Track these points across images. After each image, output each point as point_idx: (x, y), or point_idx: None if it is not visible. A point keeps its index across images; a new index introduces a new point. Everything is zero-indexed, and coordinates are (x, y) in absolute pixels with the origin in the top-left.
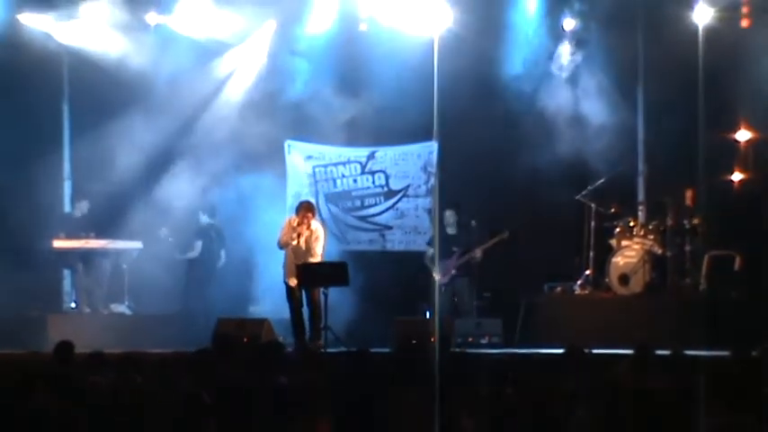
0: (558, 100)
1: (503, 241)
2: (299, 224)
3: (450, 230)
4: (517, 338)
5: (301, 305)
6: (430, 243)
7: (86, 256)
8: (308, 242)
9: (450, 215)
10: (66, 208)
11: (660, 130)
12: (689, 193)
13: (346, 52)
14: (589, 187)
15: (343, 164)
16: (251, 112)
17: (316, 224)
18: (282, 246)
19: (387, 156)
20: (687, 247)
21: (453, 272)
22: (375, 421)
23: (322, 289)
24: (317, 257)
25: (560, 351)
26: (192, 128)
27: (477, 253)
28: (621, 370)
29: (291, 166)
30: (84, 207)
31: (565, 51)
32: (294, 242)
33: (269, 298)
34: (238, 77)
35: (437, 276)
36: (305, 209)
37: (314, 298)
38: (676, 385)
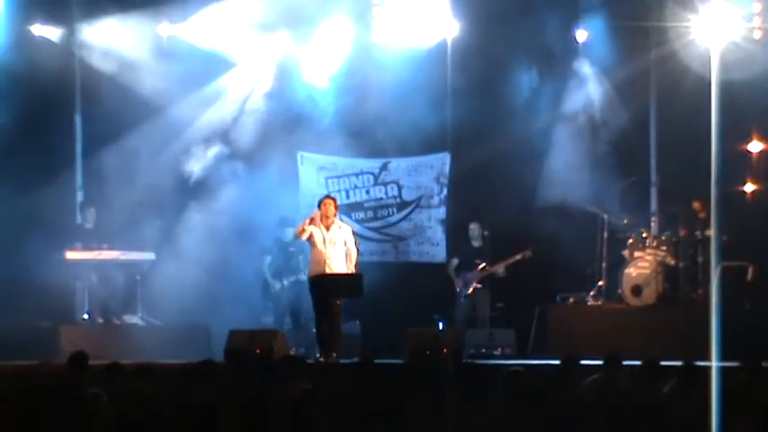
0: (570, 110)
1: (525, 259)
2: (323, 214)
3: (476, 243)
4: (530, 349)
5: (326, 313)
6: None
7: (99, 267)
8: (336, 235)
9: (474, 228)
10: (78, 219)
11: (672, 141)
12: (701, 204)
13: (360, 64)
14: (602, 198)
15: (356, 175)
16: (264, 123)
17: (341, 223)
18: (299, 233)
19: (399, 167)
20: (699, 258)
21: (475, 284)
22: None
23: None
24: (354, 252)
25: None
26: (204, 138)
27: (500, 269)
28: (631, 381)
29: (304, 177)
30: (91, 215)
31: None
32: (315, 228)
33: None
34: (251, 89)
35: (458, 287)
36: (327, 197)
37: (335, 309)
38: (686, 396)
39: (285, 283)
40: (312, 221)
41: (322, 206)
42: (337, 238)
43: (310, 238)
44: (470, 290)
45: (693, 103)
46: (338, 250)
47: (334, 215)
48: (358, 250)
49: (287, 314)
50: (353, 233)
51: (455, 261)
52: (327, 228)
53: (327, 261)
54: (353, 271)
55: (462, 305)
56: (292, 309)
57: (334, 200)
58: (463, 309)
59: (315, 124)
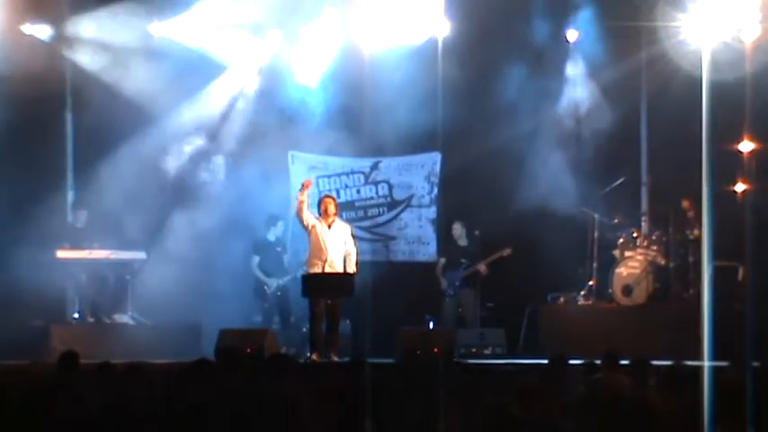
0: (561, 110)
1: (506, 257)
2: (323, 212)
3: (462, 242)
4: (520, 349)
5: (322, 313)
6: (443, 254)
7: (90, 266)
8: (337, 234)
9: (458, 227)
10: (69, 218)
11: (663, 141)
12: (691, 204)
13: (351, 63)
14: (593, 198)
15: (347, 174)
16: (254, 122)
17: (340, 222)
18: (299, 210)
19: (390, 166)
20: (690, 258)
21: (457, 283)
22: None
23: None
24: (353, 252)
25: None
26: (194, 138)
27: (482, 267)
28: (620, 380)
29: (295, 176)
30: (82, 217)
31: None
32: (320, 222)
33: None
34: (241, 89)
35: (444, 286)
36: (326, 197)
37: (335, 308)
38: (677, 396)
39: (281, 282)
40: (304, 189)
41: (322, 205)
42: (338, 236)
43: (312, 233)
44: (453, 289)
45: (684, 102)
46: (338, 249)
47: (335, 214)
48: (357, 250)
49: (275, 313)
50: (353, 234)
51: (442, 261)
52: (329, 226)
53: (328, 260)
54: (354, 270)
55: (448, 304)
56: (281, 308)
57: (334, 199)
58: (449, 308)
59: (305, 124)
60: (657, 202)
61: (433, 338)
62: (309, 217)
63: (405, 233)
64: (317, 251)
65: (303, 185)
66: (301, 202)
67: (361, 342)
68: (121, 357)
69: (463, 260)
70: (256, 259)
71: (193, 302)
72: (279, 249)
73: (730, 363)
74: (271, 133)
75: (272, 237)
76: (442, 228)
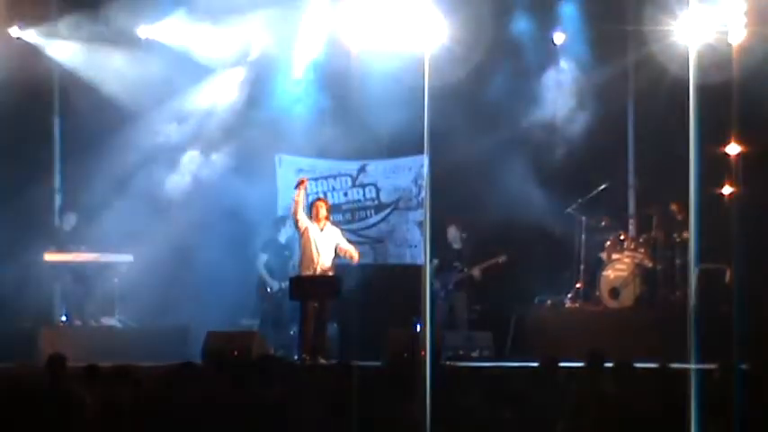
0: (548, 114)
1: (500, 264)
2: (315, 216)
3: (456, 245)
4: (507, 351)
5: (311, 315)
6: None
7: (77, 269)
8: (328, 237)
9: (452, 230)
10: (57, 221)
11: (650, 144)
12: (679, 207)
13: (337, 66)
14: (579, 200)
15: (334, 177)
16: (242, 125)
17: (330, 225)
18: (295, 211)
19: (378, 169)
20: (677, 261)
21: (450, 286)
22: None
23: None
24: (351, 247)
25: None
26: (182, 140)
27: (476, 272)
28: (607, 383)
29: (282, 179)
30: (71, 220)
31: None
32: (311, 225)
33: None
34: (229, 93)
35: (436, 288)
36: (318, 199)
37: (322, 311)
38: (663, 398)
39: (283, 285)
40: (300, 187)
41: (314, 208)
42: (329, 239)
43: (304, 236)
44: (444, 292)
45: (672, 105)
46: (329, 253)
47: (326, 218)
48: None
49: (271, 315)
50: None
51: (435, 262)
52: (321, 229)
53: (319, 263)
54: (355, 257)
55: (439, 307)
56: (276, 311)
57: (326, 202)
58: (440, 310)
59: (292, 126)
60: (644, 205)
61: (420, 341)
62: (304, 219)
63: (392, 236)
64: (308, 254)
65: (299, 183)
66: (297, 203)
67: (348, 344)
68: (108, 360)
69: (456, 263)
70: (263, 258)
71: (180, 305)
72: (287, 253)
73: (717, 365)
74: (258, 136)
75: (282, 238)
76: (435, 230)
